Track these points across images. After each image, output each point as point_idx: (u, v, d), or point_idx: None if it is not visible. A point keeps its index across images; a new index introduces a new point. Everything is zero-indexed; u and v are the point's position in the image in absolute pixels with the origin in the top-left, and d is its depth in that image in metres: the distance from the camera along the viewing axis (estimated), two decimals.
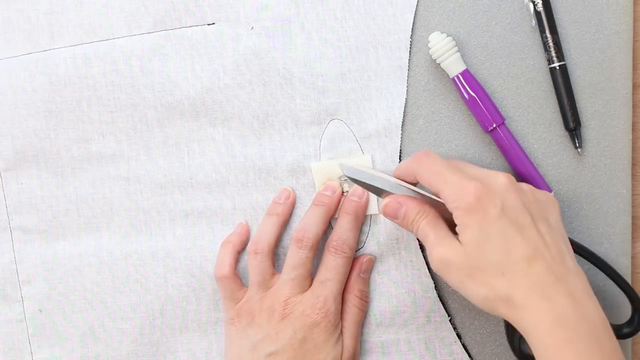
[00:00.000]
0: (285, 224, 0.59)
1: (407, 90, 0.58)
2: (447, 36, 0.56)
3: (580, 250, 0.55)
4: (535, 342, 0.46)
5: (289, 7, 0.58)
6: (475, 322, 0.59)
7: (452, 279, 0.49)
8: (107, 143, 0.61)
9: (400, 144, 0.58)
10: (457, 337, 0.59)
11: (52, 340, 0.62)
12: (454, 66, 0.56)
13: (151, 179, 0.61)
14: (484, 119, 0.56)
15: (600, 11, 0.56)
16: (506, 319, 0.48)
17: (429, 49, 0.56)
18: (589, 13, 0.56)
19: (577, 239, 0.57)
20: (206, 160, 0.60)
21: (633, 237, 0.59)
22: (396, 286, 0.59)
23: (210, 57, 0.59)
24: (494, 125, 0.56)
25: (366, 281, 0.59)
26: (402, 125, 0.58)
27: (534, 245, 0.47)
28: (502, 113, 0.56)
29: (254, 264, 0.57)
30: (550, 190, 0.57)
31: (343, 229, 0.57)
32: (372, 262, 0.59)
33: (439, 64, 0.56)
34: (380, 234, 0.59)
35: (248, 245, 0.58)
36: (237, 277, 0.58)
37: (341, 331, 0.57)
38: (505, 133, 0.56)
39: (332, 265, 0.56)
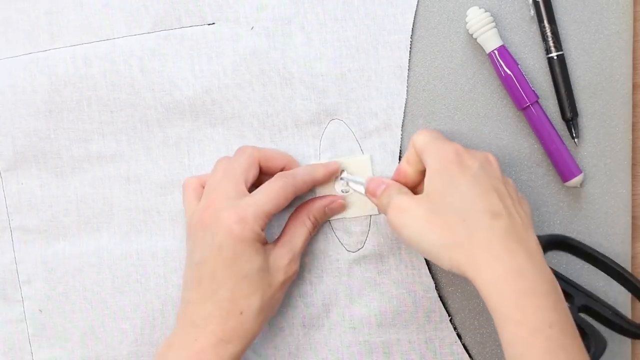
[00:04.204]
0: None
1: (407, 90, 0.58)
2: (485, 11, 0.56)
3: (577, 251, 0.56)
4: (493, 292, 0.46)
5: (289, 7, 0.58)
6: (475, 322, 0.59)
7: (409, 230, 0.49)
8: (107, 143, 0.61)
9: (400, 144, 0.58)
10: (457, 337, 0.59)
11: (52, 340, 0.62)
12: (491, 41, 0.55)
13: (151, 179, 0.61)
14: (518, 97, 0.56)
15: (600, 11, 0.56)
16: (460, 270, 0.47)
17: (466, 23, 0.56)
18: (589, 13, 0.56)
19: (577, 239, 0.57)
20: (206, 160, 0.60)
21: (633, 237, 0.59)
22: (397, 286, 0.59)
23: (209, 57, 0.59)
24: (528, 103, 0.55)
25: (325, 217, 0.58)
26: (402, 125, 0.58)
27: (502, 206, 0.48)
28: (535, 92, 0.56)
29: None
30: (580, 172, 0.56)
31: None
32: (342, 208, 0.58)
33: (476, 38, 0.56)
34: (380, 234, 0.59)
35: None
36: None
37: (279, 242, 0.56)
38: (539, 111, 0.56)
39: (266, 186, 0.54)
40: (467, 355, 0.59)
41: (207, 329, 0.52)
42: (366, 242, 0.59)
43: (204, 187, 0.56)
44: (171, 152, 0.60)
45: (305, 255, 0.60)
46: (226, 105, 0.59)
